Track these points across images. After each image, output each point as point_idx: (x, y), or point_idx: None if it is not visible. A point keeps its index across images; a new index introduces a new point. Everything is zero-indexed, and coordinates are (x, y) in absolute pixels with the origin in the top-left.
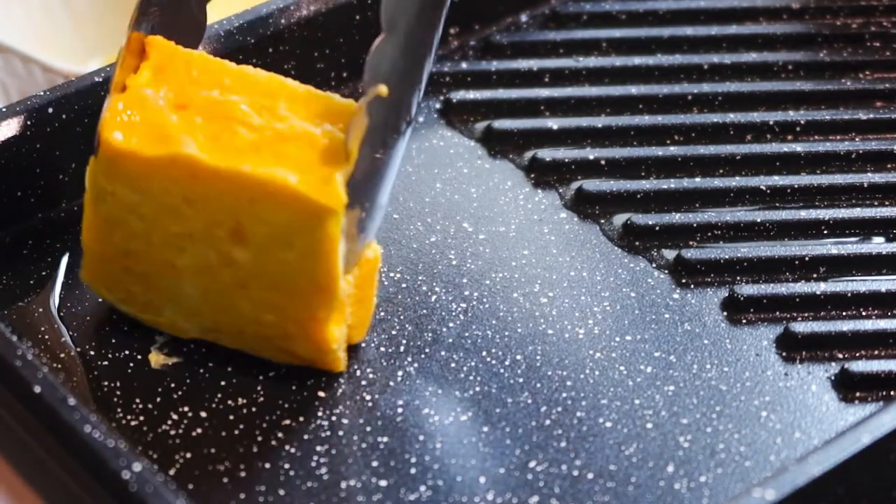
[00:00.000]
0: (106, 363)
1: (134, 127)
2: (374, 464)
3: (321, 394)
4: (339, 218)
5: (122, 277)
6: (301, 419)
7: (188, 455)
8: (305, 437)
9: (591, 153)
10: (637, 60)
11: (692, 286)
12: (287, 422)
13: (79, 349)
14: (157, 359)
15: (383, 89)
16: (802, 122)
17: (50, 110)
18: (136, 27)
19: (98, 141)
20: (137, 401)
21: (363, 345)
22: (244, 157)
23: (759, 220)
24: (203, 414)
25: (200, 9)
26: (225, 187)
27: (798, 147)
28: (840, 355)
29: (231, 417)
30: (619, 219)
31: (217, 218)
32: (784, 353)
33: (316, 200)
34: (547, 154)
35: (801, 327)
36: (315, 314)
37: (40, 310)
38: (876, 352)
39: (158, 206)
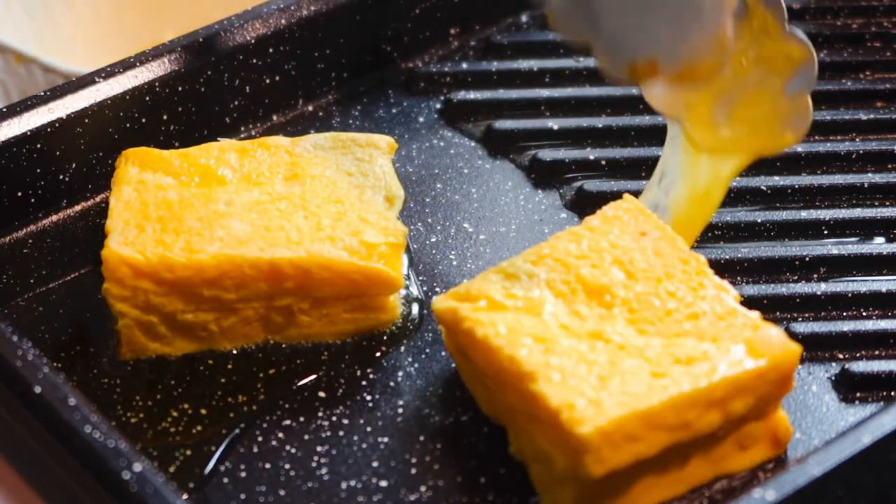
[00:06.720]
0: (106, 361)
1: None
2: (374, 464)
3: (321, 394)
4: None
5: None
6: (301, 419)
7: (188, 453)
8: (305, 437)
9: (591, 153)
10: None
11: None
12: (287, 422)
13: (79, 349)
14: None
15: None
16: None
17: (50, 110)
18: None
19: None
20: (137, 398)
21: (364, 345)
22: None
23: (759, 221)
24: (203, 412)
25: None
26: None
27: (798, 147)
28: (840, 355)
29: (231, 416)
30: None
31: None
32: None
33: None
34: (547, 154)
35: (801, 327)
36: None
37: (41, 310)
38: (876, 352)
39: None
